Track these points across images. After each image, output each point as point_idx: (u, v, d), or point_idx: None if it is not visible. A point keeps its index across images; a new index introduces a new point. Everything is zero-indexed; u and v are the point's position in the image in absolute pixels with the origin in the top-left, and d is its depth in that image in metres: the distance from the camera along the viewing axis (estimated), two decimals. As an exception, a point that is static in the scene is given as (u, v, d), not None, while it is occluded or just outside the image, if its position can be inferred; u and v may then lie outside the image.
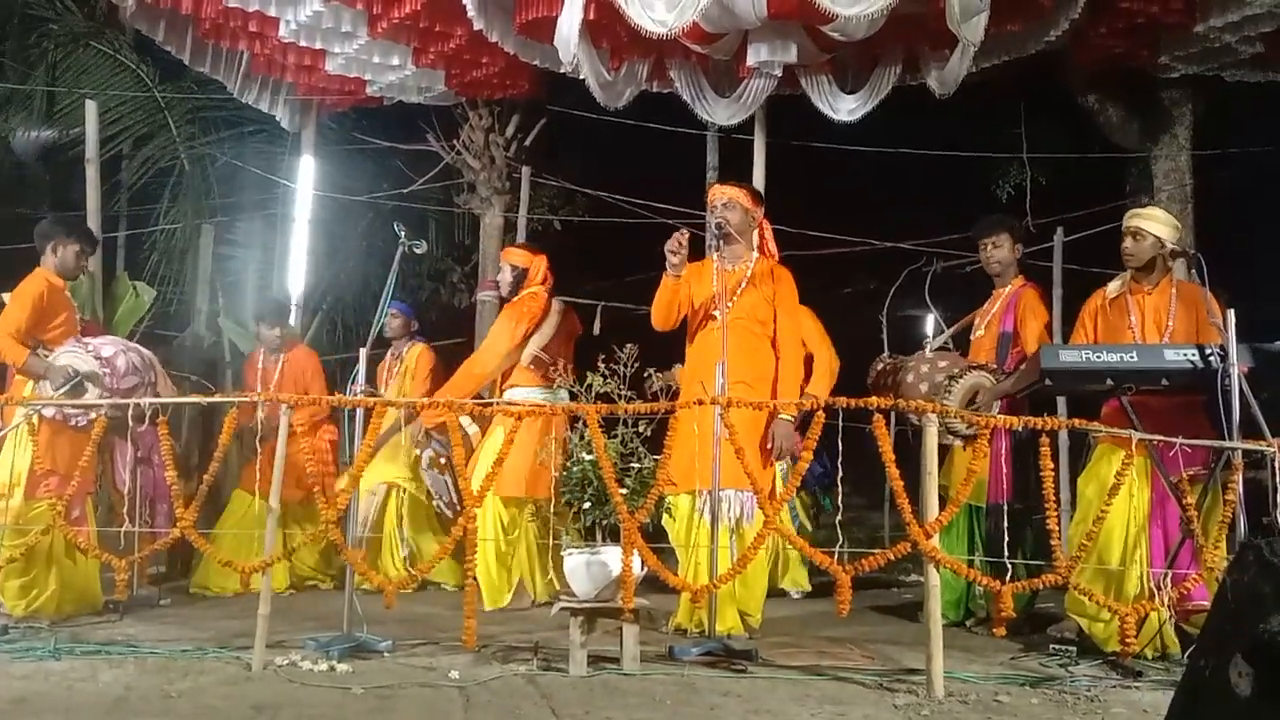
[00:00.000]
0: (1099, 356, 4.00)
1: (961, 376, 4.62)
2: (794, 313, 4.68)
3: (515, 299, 5.43)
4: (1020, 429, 3.81)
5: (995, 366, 4.79)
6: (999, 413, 4.40)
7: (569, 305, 5.71)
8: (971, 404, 4.55)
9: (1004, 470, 4.75)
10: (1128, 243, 4.38)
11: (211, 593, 5.67)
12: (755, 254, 4.71)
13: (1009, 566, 3.79)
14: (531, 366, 5.30)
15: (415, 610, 4.97)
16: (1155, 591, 3.83)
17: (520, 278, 5.48)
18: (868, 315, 8.93)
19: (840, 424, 3.64)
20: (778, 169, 7.32)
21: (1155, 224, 4.39)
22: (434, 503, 5.85)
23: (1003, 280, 5.10)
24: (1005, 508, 4.48)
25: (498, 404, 4.94)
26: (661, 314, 4.63)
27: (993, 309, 5.09)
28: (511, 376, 5.34)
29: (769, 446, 4.47)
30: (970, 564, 4.35)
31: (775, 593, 5.84)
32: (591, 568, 3.74)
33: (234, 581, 5.26)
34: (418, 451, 5.76)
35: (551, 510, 5.03)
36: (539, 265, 5.51)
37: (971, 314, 5.28)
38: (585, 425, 3.73)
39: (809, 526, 6.29)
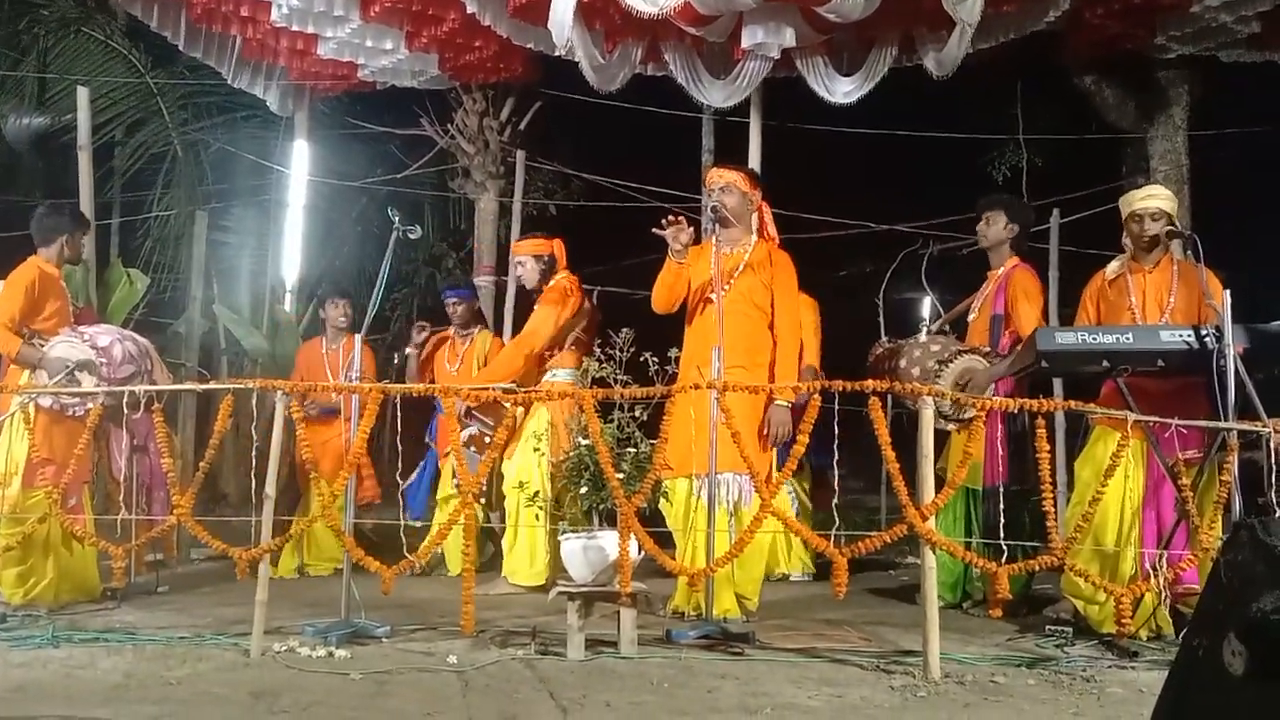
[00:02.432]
0: (1095, 338, 3.99)
1: (951, 361, 4.62)
2: (792, 297, 4.67)
3: (552, 284, 5.42)
4: (1015, 411, 3.81)
5: (989, 349, 4.78)
6: (993, 395, 4.40)
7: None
8: (963, 389, 4.55)
9: (1000, 453, 4.75)
10: (1149, 225, 4.29)
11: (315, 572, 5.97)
12: (754, 237, 4.69)
13: (1005, 549, 3.79)
14: (573, 348, 5.34)
15: (413, 595, 4.97)
16: (1151, 573, 3.84)
17: (551, 265, 5.47)
18: (864, 298, 8.93)
19: (836, 407, 3.64)
20: (773, 151, 7.30)
21: (1169, 203, 4.39)
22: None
23: (996, 260, 5.09)
24: (1002, 490, 4.49)
25: (494, 391, 4.93)
26: (663, 297, 4.64)
27: (986, 291, 5.09)
28: (555, 358, 5.38)
29: (765, 431, 4.47)
30: (967, 546, 4.36)
31: (778, 576, 5.87)
32: (589, 552, 3.74)
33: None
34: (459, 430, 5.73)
35: (550, 497, 5.06)
36: (561, 249, 5.52)
37: (969, 297, 5.27)
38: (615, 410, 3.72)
39: (809, 506, 6.29)
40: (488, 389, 4.64)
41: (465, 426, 5.62)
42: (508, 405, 4.79)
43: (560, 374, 5.35)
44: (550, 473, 5.10)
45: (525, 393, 4.44)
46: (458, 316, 6.28)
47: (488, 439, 5.66)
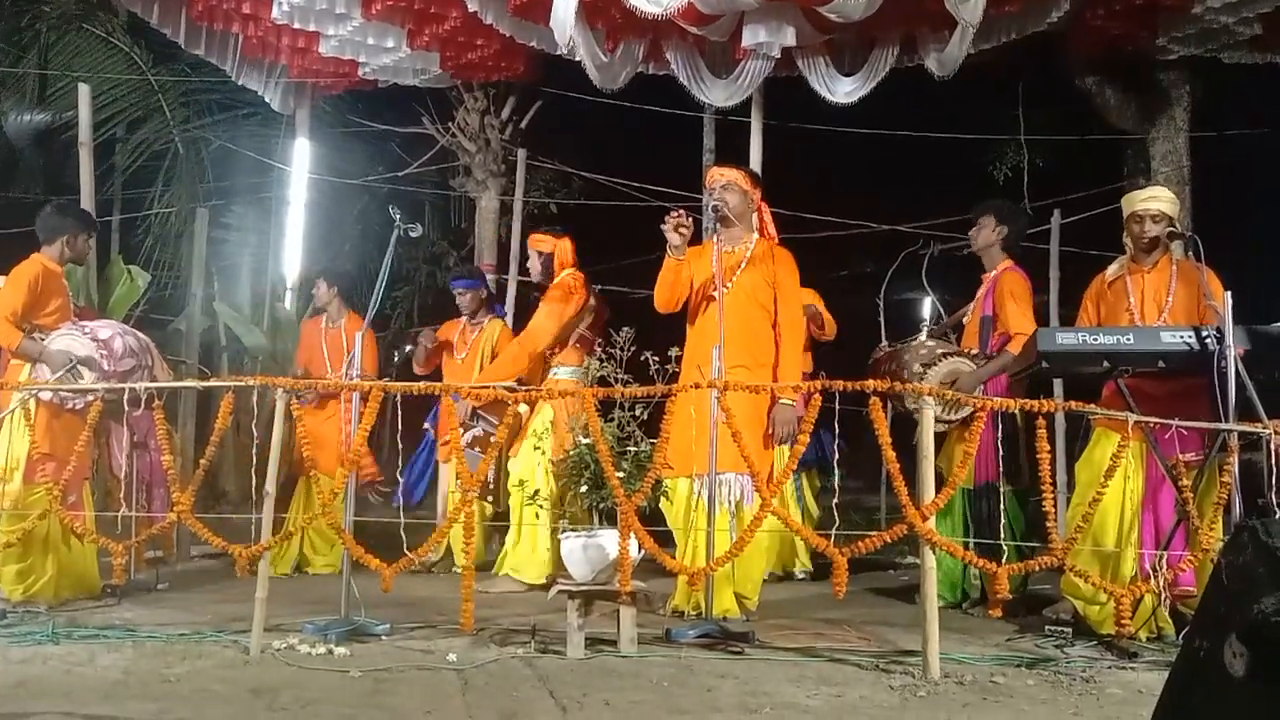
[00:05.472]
0: (1095, 339, 3.99)
1: (934, 364, 4.64)
2: (795, 295, 4.66)
3: (556, 282, 5.43)
4: (1003, 412, 3.80)
5: (977, 352, 4.78)
6: (983, 395, 4.40)
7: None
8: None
9: (991, 453, 4.74)
10: (1149, 226, 4.31)
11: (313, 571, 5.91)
12: (755, 235, 4.70)
13: (1002, 548, 3.79)
14: (578, 345, 5.36)
15: (413, 593, 4.97)
16: (1151, 574, 3.84)
17: (549, 262, 5.49)
18: (865, 298, 8.92)
19: (838, 407, 3.64)
20: (775, 151, 7.29)
21: (1171, 205, 4.40)
22: None
23: (989, 263, 5.11)
24: (995, 488, 4.49)
25: (495, 390, 4.92)
26: (665, 295, 4.64)
27: (980, 293, 5.11)
28: (559, 355, 5.39)
29: (769, 431, 4.47)
30: (966, 546, 4.36)
31: (784, 575, 5.88)
32: (589, 551, 3.74)
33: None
34: (462, 431, 5.72)
35: (550, 495, 5.06)
36: (564, 249, 5.52)
37: (970, 302, 5.28)
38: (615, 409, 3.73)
39: (814, 511, 6.30)
40: (489, 387, 4.64)
41: (470, 428, 5.62)
42: (510, 403, 4.79)
43: (562, 371, 5.38)
44: (551, 470, 5.09)
45: (526, 391, 4.43)
46: (466, 306, 6.28)
47: (492, 438, 5.66)
